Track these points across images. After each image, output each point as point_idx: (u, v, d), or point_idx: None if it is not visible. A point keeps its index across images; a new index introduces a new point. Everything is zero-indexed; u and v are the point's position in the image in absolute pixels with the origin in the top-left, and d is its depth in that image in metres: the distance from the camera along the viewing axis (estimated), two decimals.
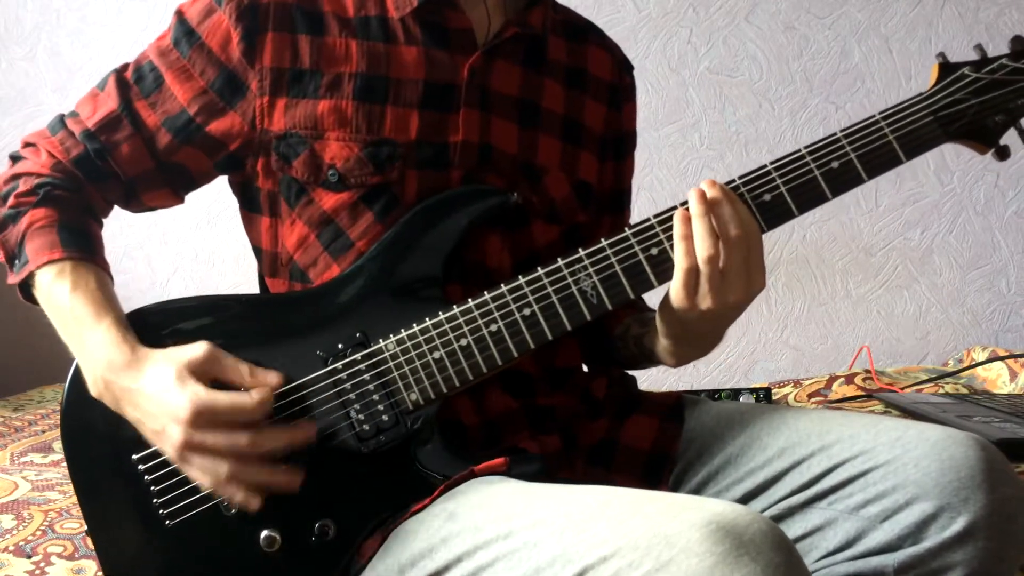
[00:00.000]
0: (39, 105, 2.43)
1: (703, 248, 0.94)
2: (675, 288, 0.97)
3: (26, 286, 1.03)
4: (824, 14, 2.38)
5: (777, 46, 2.39)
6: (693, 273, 0.95)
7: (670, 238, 0.98)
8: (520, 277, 0.99)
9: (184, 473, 0.94)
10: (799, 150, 0.99)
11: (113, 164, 1.07)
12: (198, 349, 0.93)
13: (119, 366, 0.94)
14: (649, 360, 1.14)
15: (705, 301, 0.95)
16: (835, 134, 1.00)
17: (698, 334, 1.03)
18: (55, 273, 1.00)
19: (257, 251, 1.13)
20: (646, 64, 2.38)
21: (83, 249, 1.02)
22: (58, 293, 0.99)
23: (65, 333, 1.00)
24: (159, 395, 0.92)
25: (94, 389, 0.97)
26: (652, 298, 1.07)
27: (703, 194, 0.96)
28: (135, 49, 1.12)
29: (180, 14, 1.08)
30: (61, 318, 1.00)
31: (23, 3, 2.43)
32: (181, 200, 1.14)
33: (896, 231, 2.39)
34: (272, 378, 0.94)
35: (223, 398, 0.91)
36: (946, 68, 1.02)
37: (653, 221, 0.99)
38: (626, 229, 0.99)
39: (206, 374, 0.93)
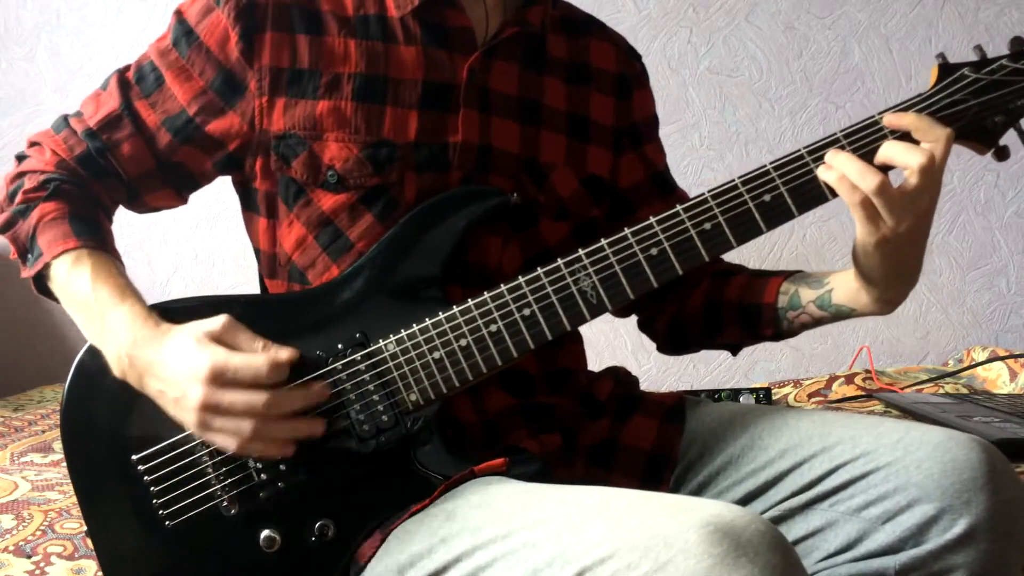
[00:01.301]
0: (39, 105, 2.43)
1: (867, 181, 0.94)
2: (860, 229, 0.96)
3: (40, 279, 1.03)
4: (824, 14, 2.38)
5: (777, 46, 2.39)
6: (867, 205, 0.95)
7: (670, 238, 0.98)
8: (520, 277, 0.99)
9: (208, 440, 0.94)
10: (799, 150, 0.99)
11: (115, 163, 1.07)
12: (218, 319, 0.94)
13: (144, 340, 0.95)
14: (835, 319, 1.09)
15: (900, 222, 0.95)
16: (835, 134, 0.99)
17: (904, 264, 1.00)
18: (72, 261, 1.00)
19: (256, 252, 1.13)
20: (646, 64, 2.38)
21: (96, 238, 1.02)
22: (77, 280, 0.99)
23: (84, 318, 1.00)
24: (180, 360, 0.92)
25: (117, 368, 0.97)
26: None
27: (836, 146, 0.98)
28: (135, 49, 1.12)
29: (179, 14, 1.08)
30: (81, 303, 0.99)
31: (23, 3, 2.43)
32: (185, 201, 1.14)
33: None
34: (284, 353, 0.94)
35: (239, 357, 0.92)
36: (946, 69, 1.01)
37: (652, 221, 0.99)
38: (625, 229, 0.99)
39: (224, 343, 0.93)
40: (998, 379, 2.04)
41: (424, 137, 1.04)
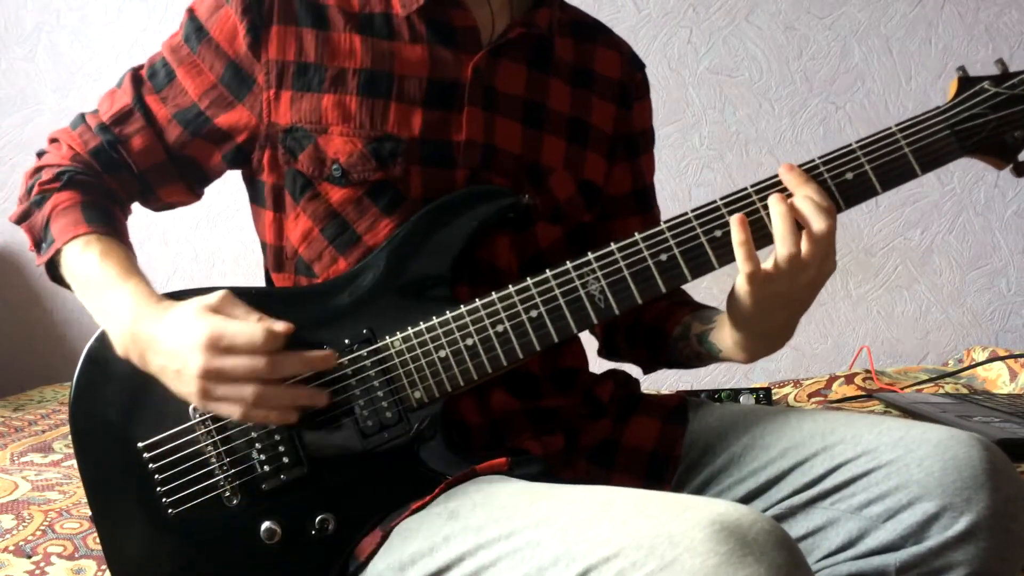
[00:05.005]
0: (39, 105, 2.43)
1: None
2: (740, 283, 0.96)
3: (53, 267, 1.05)
4: (824, 14, 2.38)
5: (777, 46, 2.39)
6: (757, 276, 0.95)
7: (680, 244, 0.98)
8: (528, 279, 0.99)
9: (212, 410, 0.94)
10: (814, 160, 0.98)
11: (126, 156, 1.09)
12: (216, 293, 0.95)
13: (145, 316, 0.95)
14: (711, 358, 1.11)
15: (776, 286, 0.95)
16: (850, 145, 0.98)
17: (771, 324, 1.00)
18: (82, 245, 1.01)
19: (263, 245, 1.14)
20: (646, 64, 2.38)
21: (108, 224, 1.04)
22: (86, 261, 1.00)
23: (90, 297, 1.00)
24: (179, 331, 0.92)
25: (121, 347, 0.97)
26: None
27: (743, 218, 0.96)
28: (135, 49, 1.13)
29: (191, 11, 1.10)
30: (87, 283, 1.00)
31: (23, 3, 2.43)
32: (198, 196, 1.15)
33: (896, 231, 2.40)
34: (279, 325, 0.93)
35: (235, 324, 0.91)
36: (965, 82, 1.00)
37: (664, 227, 0.99)
38: (635, 234, 0.99)
39: (222, 314, 0.93)
40: (998, 379, 2.04)
41: (429, 134, 1.05)
